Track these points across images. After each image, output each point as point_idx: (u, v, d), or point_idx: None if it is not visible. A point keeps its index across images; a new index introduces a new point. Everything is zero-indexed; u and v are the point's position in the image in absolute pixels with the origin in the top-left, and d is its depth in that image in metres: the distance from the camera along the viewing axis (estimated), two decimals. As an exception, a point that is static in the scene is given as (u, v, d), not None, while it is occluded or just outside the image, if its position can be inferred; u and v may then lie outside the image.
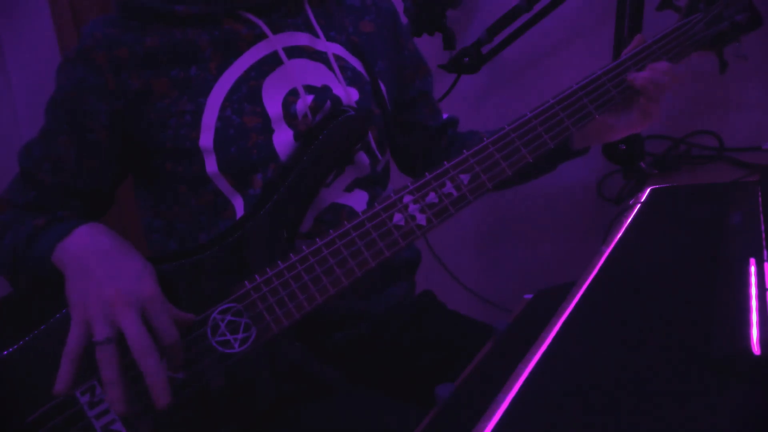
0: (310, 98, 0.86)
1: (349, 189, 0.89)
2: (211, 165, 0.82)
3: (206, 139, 0.81)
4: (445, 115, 1.11)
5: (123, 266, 0.73)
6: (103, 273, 0.72)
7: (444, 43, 1.55)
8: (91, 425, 0.73)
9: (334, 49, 0.91)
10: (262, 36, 0.85)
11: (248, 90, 0.83)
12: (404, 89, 1.04)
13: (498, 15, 1.46)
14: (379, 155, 0.92)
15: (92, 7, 2.02)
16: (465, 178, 0.80)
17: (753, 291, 0.61)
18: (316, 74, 0.88)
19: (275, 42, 0.85)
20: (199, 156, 0.82)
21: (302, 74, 0.87)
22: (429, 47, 1.62)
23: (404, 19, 1.49)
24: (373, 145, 0.91)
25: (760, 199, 0.91)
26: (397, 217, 0.78)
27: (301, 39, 0.88)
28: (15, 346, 0.75)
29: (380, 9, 1.00)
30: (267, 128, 0.83)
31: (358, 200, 0.90)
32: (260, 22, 0.84)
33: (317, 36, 0.89)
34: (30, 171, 0.86)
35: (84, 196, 0.87)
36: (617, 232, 0.87)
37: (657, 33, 0.90)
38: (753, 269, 0.66)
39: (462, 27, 1.63)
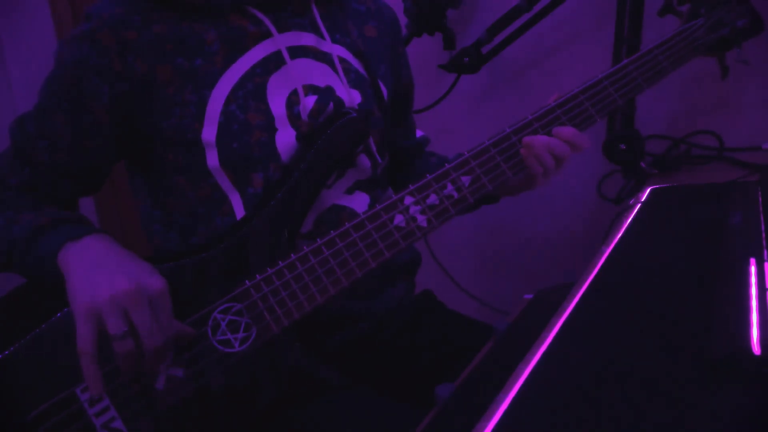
0: (313, 99, 0.86)
1: (350, 191, 0.89)
2: (212, 159, 0.82)
3: (209, 132, 0.81)
4: (419, 133, 1.11)
5: (133, 263, 0.74)
6: (114, 267, 0.72)
7: (444, 43, 1.55)
8: (90, 423, 0.73)
9: (338, 51, 0.91)
10: (268, 34, 0.85)
11: (254, 87, 0.83)
12: (398, 98, 1.04)
13: (498, 15, 1.46)
14: (378, 158, 0.92)
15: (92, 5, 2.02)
16: (466, 179, 0.80)
17: (753, 291, 0.62)
18: (320, 75, 0.88)
19: (280, 41, 0.85)
20: (200, 148, 0.82)
21: (306, 74, 0.87)
22: (429, 47, 1.62)
23: (404, 20, 1.49)
24: (374, 148, 0.91)
25: (760, 199, 0.91)
26: (398, 219, 0.78)
27: (307, 39, 0.88)
28: (16, 345, 0.75)
29: (383, 16, 1.00)
30: (270, 127, 0.83)
31: (359, 202, 0.90)
32: (267, 20, 0.84)
33: (323, 37, 0.89)
34: (24, 147, 0.84)
35: (78, 175, 0.86)
36: (617, 232, 0.87)
37: (658, 38, 0.90)
38: (753, 269, 0.66)
39: (462, 27, 1.63)
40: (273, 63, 0.85)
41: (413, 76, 1.08)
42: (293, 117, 0.85)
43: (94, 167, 0.87)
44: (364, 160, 0.91)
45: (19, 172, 0.84)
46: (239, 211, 0.84)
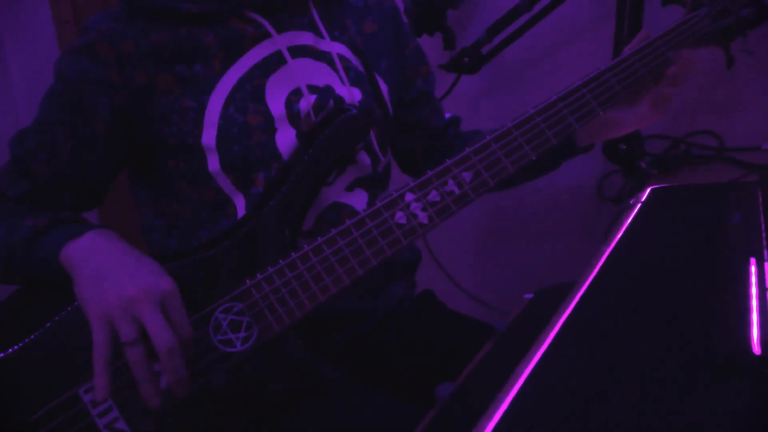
0: (313, 98, 0.86)
1: (349, 188, 0.89)
2: (213, 163, 0.82)
3: (209, 136, 0.82)
4: (447, 115, 1.11)
5: (139, 264, 0.74)
6: (121, 271, 0.72)
7: (444, 43, 1.55)
8: (94, 423, 0.73)
9: (338, 48, 0.91)
10: (266, 35, 0.85)
11: (252, 88, 0.83)
12: (406, 89, 1.04)
13: (498, 15, 1.46)
14: (380, 155, 0.92)
15: (93, 6, 2.02)
16: (467, 175, 0.80)
17: (753, 291, 0.61)
18: (320, 74, 0.88)
19: (279, 41, 0.85)
20: (201, 153, 0.82)
21: (306, 74, 0.87)
22: (429, 47, 1.62)
23: (404, 19, 1.49)
24: (375, 145, 0.91)
25: (760, 199, 0.91)
26: (399, 216, 0.78)
27: (306, 38, 0.88)
28: (18, 345, 0.75)
29: (382, 8, 1.00)
30: (270, 127, 0.84)
31: (358, 200, 0.90)
32: (265, 22, 0.84)
33: (321, 36, 0.89)
34: (24, 161, 0.84)
35: (78, 188, 0.86)
36: (617, 232, 0.87)
37: (662, 27, 0.89)
38: (753, 269, 0.66)
39: (462, 27, 1.63)
40: (273, 64, 0.85)
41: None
42: (293, 116, 0.85)
43: (94, 180, 0.87)
44: (365, 157, 0.91)
45: (17, 185, 0.84)
46: (242, 213, 0.84)
